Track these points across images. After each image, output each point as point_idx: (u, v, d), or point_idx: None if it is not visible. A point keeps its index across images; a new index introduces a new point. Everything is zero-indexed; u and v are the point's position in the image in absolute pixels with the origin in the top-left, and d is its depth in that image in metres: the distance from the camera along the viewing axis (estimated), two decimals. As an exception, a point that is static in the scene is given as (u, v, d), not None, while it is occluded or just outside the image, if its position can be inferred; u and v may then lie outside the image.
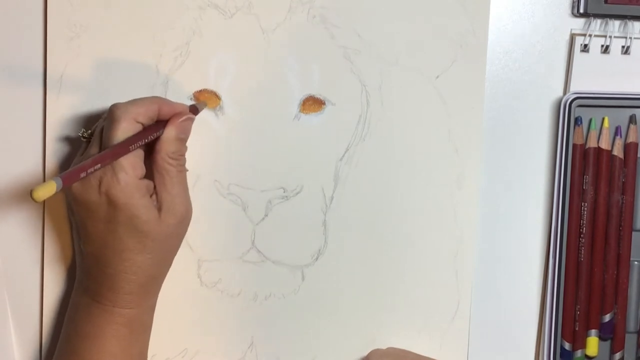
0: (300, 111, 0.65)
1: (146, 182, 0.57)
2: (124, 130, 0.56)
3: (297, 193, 0.65)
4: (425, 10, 0.65)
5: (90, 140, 0.59)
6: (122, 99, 0.62)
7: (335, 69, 0.65)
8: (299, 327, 0.67)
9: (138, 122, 0.57)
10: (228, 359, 0.67)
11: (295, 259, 0.66)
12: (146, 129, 0.57)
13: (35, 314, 0.65)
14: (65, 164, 0.64)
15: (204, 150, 0.64)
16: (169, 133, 0.58)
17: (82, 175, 0.52)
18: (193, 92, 0.64)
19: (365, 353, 0.67)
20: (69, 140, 0.64)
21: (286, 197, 0.65)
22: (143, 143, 0.57)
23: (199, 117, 0.63)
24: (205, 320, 0.66)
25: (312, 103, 0.65)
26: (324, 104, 0.65)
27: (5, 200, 0.64)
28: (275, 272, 0.66)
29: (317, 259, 0.66)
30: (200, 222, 0.64)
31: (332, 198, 0.66)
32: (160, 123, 0.58)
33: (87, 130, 0.60)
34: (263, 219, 0.65)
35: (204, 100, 0.64)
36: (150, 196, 0.58)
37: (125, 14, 0.63)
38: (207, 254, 0.66)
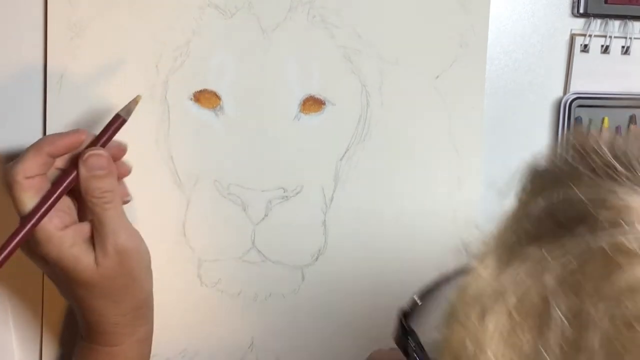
0: (300, 111, 0.65)
1: (73, 228, 0.55)
2: (24, 193, 0.53)
3: (297, 193, 0.65)
4: (425, 10, 0.65)
5: None
6: (122, 98, 0.62)
7: (335, 69, 0.65)
8: (299, 327, 0.67)
9: (35, 177, 0.54)
10: (228, 359, 0.67)
11: (295, 259, 0.66)
12: (54, 186, 0.55)
13: (35, 314, 0.65)
14: (65, 164, 0.64)
15: (204, 150, 0.64)
16: (81, 174, 0.55)
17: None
18: (193, 92, 0.64)
19: (365, 353, 0.67)
20: (69, 140, 0.64)
21: (286, 197, 0.65)
22: (54, 203, 0.54)
23: (199, 117, 0.63)
24: (205, 320, 0.66)
25: (312, 103, 0.65)
26: (324, 104, 0.65)
27: (6, 200, 0.64)
28: (275, 272, 0.66)
29: (317, 259, 0.66)
30: (200, 222, 0.64)
31: (332, 198, 0.66)
32: (68, 169, 0.56)
33: None
34: (263, 219, 0.65)
35: (135, 100, 0.59)
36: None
37: (125, 14, 0.63)
38: (207, 254, 0.65)
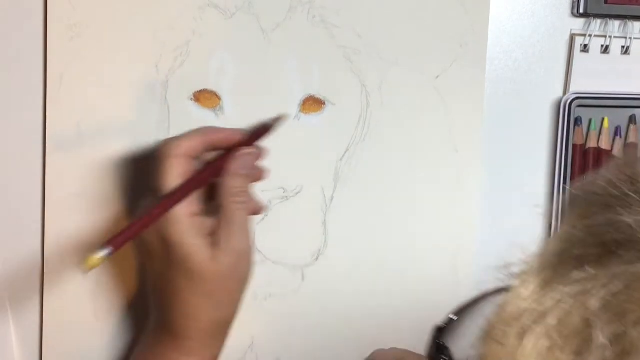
0: (300, 111, 0.65)
1: (201, 220, 0.55)
2: (173, 173, 0.54)
3: (297, 193, 0.65)
4: (425, 10, 0.65)
5: None
6: (122, 99, 0.63)
7: (335, 69, 0.65)
8: (299, 327, 0.67)
9: (189, 158, 0.55)
10: (228, 359, 0.67)
11: (295, 259, 0.66)
12: (199, 172, 0.55)
13: (35, 314, 0.65)
14: (65, 164, 0.64)
15: (204, 150, 0.64)
16: (228, 169, 0.56)
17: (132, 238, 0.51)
18: (193, 92, 0.64)
19: (365, 353, 0.67)
20: (69, 140, 0.64)
21: (286, 197, 0.65)
22: (195, 190, 0.55)
23: (199, 117, 0.63)
24: (205, 320, 0.66)
25: (312, 103, 0.65)
26: (324, 104, 0.65)
27: (5, 200, 0.64)
28: (275, 272, 0.66)
29: (317, 259, 0.66)
30: (200, 222, 0.64)
31: (332, 198, 0.66)
32: (216, 161, 0.57)
33: None
34: (263, 219, 0.65)
35: (282, 115, 0.62)
36: (213, 233, 0.55)
37: (125, 14, 0.63)
38: (207, 254, 0.65)
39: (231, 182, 0.56)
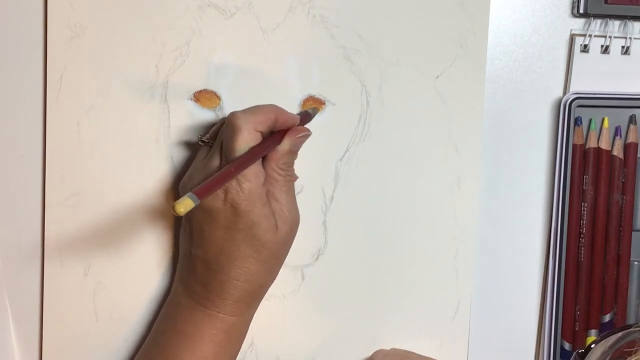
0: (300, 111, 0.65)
1: (265, 190, 0.58)
2: (245, 140, 0.56)
3: (297, 193, 0.65)
4: (426, 10, 0.65)
5: (208, 143, 0.60)
6: (122, 99, 0.63)
7: (335, 69, 0.65)
8: (299, 327, 0.67)
9: (257, 131, 0.57)
10: (228, 359, 0.67)
11: (295, 259, 0.66)
12: (264, 141, 0.58)
13: (35, 314, 0.65)
14: (65, 164, 0.64)
15: (204, 150, 0.64)
16: (284, 146, 0.58)
17: (213, 190, 0.53)
18: (193, 92, 0.64)
19: (365, 353, 0.67)
20: (69, 140, 0.64)
21: (286, 197, 0.65)
22: (262, 155, 0.57)
23: (199, 117, 0.63)
24: (205, 320, 0.66)
25: (312, 103, 0.65)
26: (324, 104, 0.65)
27: (5, 200, 0.64)
28: (275, 272, 0.66)
29: (317, 259, 0.66)
30: (200, 222, 0.64)
31: (332, 198, 0.66)
32: (276, 134, 0.59)
33: (205, 135, 0.61)
34: (263, 219, 0.65)
35: (314, 106, 0.65)
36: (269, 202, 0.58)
37: (125, 14, 0.63)
38: (207, 254, 0.65)
39: (284, 159, 0.59)
